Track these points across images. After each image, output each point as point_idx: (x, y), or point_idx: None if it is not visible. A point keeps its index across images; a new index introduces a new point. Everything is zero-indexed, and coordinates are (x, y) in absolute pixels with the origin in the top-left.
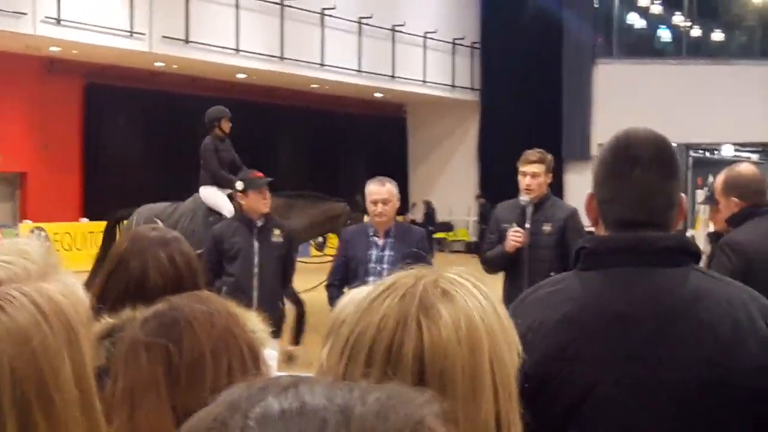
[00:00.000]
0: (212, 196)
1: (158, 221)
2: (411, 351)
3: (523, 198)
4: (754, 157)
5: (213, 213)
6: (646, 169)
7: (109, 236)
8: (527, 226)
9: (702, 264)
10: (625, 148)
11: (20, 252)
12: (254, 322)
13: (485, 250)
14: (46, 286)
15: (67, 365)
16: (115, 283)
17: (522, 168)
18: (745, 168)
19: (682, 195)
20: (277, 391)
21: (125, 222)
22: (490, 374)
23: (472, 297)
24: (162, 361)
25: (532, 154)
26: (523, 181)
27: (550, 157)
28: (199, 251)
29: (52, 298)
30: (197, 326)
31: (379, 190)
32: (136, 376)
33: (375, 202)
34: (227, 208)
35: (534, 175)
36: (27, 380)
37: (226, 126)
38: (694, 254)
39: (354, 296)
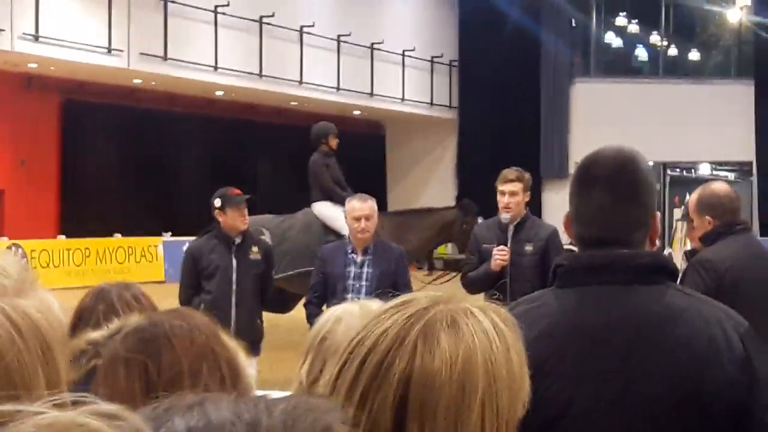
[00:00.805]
0: (327, 211)
1: (265, 231)
2: (398, 372)
3: (504, 216)
4: (731, 175)
5: (329, 230)
6: (602, 189)
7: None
8: (509, 247)
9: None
10: (587, 168)
11: None
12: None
13: (467, 271)
14: (22, 302)
15: (41, 380)
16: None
17: (500, 187)
18: (718, 186)
19: (657, 213)
20: (183, 411)
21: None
22: (479, 418)
23: (482, 334)
24: (140, 378)
25: (510, 172)
26: (502, 200)
27: (527, 175)
28: (309, 269)
29: (28, 314)
30: (177, 343)
31: (362, 207)
32: (114, 392)
33: (358, 219)
34: (343, 225)
35: (512, 194)
36: (0, 395)
37: (334, 142)
38: (671, 272)
39: (334, 313)
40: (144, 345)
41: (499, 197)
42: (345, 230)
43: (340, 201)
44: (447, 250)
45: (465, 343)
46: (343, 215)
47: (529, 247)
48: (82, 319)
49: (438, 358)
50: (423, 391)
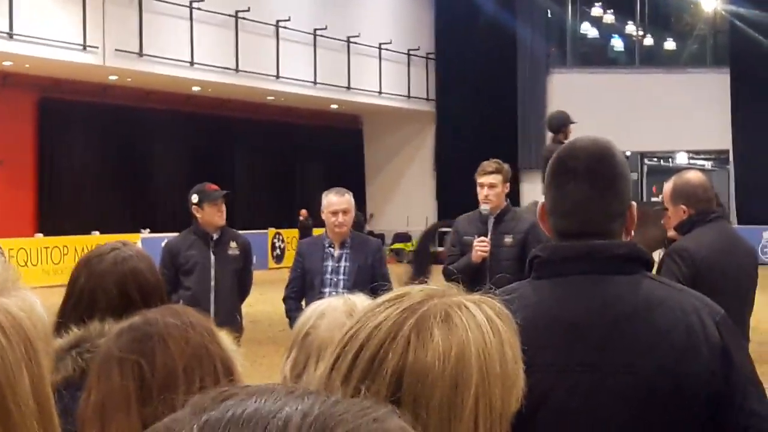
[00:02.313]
0: None
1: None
2: (391, 367)
3: (484, 207)
4: (708, 164)
5: None
6: (580, 181)
7: (424, 245)
8: (489, 237)
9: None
10: (563, 160)
11: None
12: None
13: (448, 263)
14: (4, 300)
15: (25, 378)
16: (69, 311)
17: (480, 179)
18: (693, 175)
19: (633, 203)
20: (241, 397)
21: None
22: (473, 413)
23: (476, 328)
24: (134, 377)
25: (489, 164)
26: (482, 192)
27: (506, 167)
28: None
29: (11, 312)
30: (171, 342)
31: (340, 201)
32: (108, 391)
33: (335, 213)
34: None
35: (491, 186)
36: None
37: (568, 134)
38: (646, 262)
39: (318, 308)
40: (138, 344)
41: (478, 189)
42: None
43: None
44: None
45: (458, 337)
46: None
47: (509, 239)
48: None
49: (431, 352)
50: (416, 386)
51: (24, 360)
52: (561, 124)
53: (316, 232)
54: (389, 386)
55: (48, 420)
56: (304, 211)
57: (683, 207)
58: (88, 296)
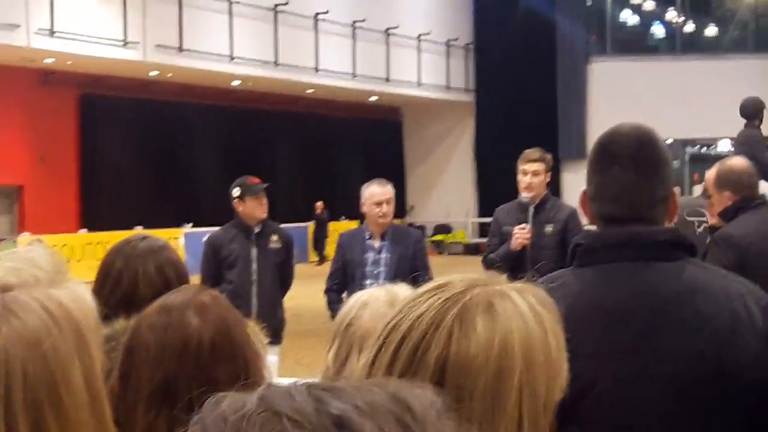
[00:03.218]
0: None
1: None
2: (434, 358)
3: (525, 195)
4: None
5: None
6: (624, 166)
7: None
8: (529, 226)
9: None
10: (606, 146)
11: (29, 260)
12: (253, 330)
13: (488, 252)
14: (56, 291)
15: (77, 369)
16: (107, 295)
17: (522, 166)
18: (737, 162)
19: (675, 189)
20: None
21: None
22: (516, 402)
23: (519, 317)
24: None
25: (533, 152)
26: (524, 180)
27: (549, 155)
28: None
29: (62, 303)
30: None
31: (383, 191)
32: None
33: (379, 203)
34: None
35: (535, 174)
36: (38, 383)
37: (762, 119)
38: (689, 247)
39: (360, 298)
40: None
41: (520, 177)
42: None
43: None
44: (466, 234)
45: (501, 326)
46: None
47: (549, 228)
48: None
49: (474, 342)
50: (459, 377)
51: (76, 351)
52: (757, 109)
53: (332, 226)
54: (432, 377)
55: (100, 411)
56: (320, 204)
57: (727, 193)
58: (128, 280)
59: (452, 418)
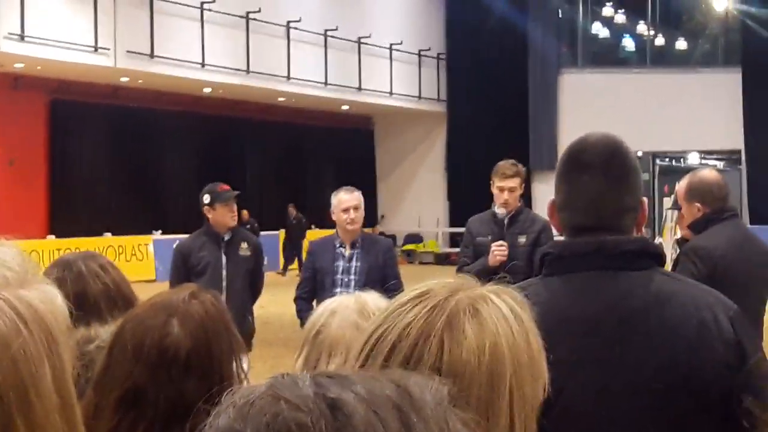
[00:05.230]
0: None
1: None
2: (428, 367)
3: (500, 211)
4: (720, 164)
5: None
6: (594, 175)
7: None
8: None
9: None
10: (575, 155)
11: None
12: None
13: (462, 264)
14: (25, 293)
15: (47, 371)
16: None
17: (499, 183)
18: (707, 173)
19: (644, 199)
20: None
21: None
22: (508, 404)
23: (503, 321)
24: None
25: (508, 168)
26: (501, 196)
27: (523, 168)
28: None
29: (32, 305)
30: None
31: (351, 197)
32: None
33: (347, 210)
34: None
35: (511, 190)
36: (7, 386)
37: None
38: (657, 257)
39: (329, 306)
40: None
41: (497, 193)
42: None
43: None
44: (437, 244)
45: (489, 332)
46: None
47: (522, 239)
48: None
49: (466, 349)
50: (454, 383)
51: (46, 353)
52: None
53: (313, 233)
54: None
55: (70, 413)
56: (291, 207)
57: (698, 205)
58: (73, 280)
59: (455, 406)
